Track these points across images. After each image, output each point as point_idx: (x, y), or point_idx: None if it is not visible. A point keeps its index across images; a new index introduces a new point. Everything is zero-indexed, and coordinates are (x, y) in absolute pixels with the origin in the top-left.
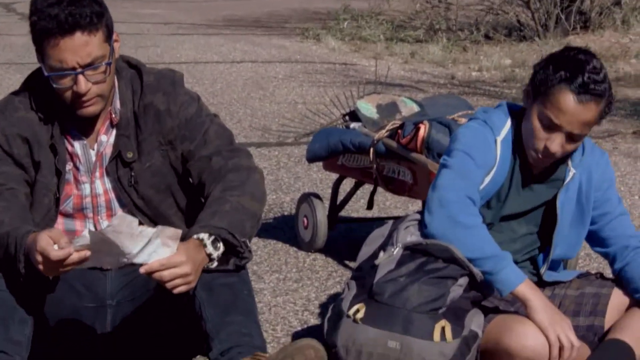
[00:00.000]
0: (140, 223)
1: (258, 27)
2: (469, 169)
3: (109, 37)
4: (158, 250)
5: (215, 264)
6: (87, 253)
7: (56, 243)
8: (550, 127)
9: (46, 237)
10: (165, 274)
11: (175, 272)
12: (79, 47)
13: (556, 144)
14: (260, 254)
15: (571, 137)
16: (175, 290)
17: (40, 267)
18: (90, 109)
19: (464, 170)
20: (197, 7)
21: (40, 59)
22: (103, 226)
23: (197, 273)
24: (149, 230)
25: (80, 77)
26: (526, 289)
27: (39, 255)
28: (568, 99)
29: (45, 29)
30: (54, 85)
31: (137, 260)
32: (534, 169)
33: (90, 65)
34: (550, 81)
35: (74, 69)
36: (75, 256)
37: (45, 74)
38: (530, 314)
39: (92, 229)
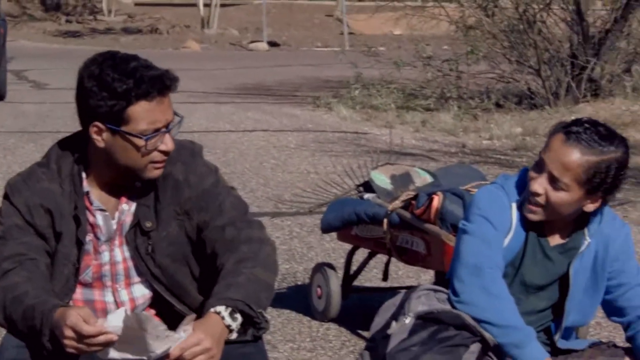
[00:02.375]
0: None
1: (269, 95)
2: (490, 234)
3: None
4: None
5: (235, 335)
6: (114, 337)
7: (86, 321)
8: (539, 166)
9: (76, 314)
10: (187, 355)
11: (196, 350)
12: (168, 106)
13: (538, 183)
14: (274, 323)
15: (552, 180)
16: None
17: (67, 342)
18: (161, 170)
19: (485, 236)
20: (208, 75)
21: (110, 127)
22: (122, 296)
23: (219, 346)
24: (176, 336)
25: (168, 136)
26: None
27: (68, 330)
28: (557, 139)
29: (145, 92)
30: (147, 149)
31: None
32: (549, 237)
33: (169, 124)
34: (555, 130)
35: (159, 129)
36: (103, 337)
37: (144, 137)
38: None
39: (111, 298)
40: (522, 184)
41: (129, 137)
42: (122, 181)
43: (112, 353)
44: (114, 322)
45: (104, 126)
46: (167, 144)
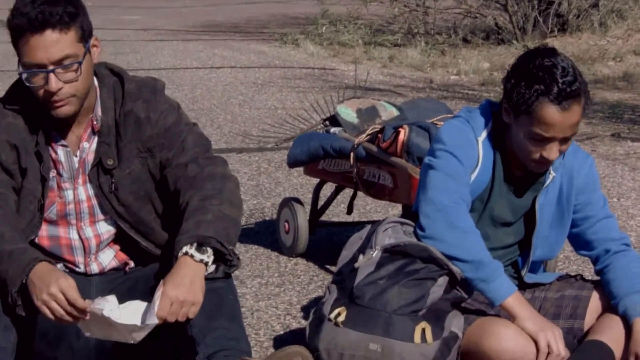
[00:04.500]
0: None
1: (237, 32)
2: (457, 170)
3: (83, 38)
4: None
5: (212, 267)
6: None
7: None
8: (543, 140)
9: (68, 281)
10: (170, 317)
11: (174, 309)
12: (49, 44)
13: (554, 151)
14: (242, 259)
15: (565, 141)
16: (190, 316)
17: (46, 299)
18: (64, 109)
19: (451, 171)
20: (175, 12)
21: (18, 59)
22: (86, 233)
23: (194, 289)
24: (136, 302)
25: (51, 76)
26: (515, 300)
27: (57, 291)
28: (552, 112)
29: (18, 27)
30: (27, 84)
31: (139, 337)
32: (514, 171)
33: (60, 64)
34: (529, 99)
35: (44, 67)
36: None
37: (19, 71)
38: (519, 323)
39: (76, 235)
40: (487, 117)
41: (19, 70)
42: (52, 118)
43: (95, 302)
44: (96, 304)
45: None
46: (49, 84)
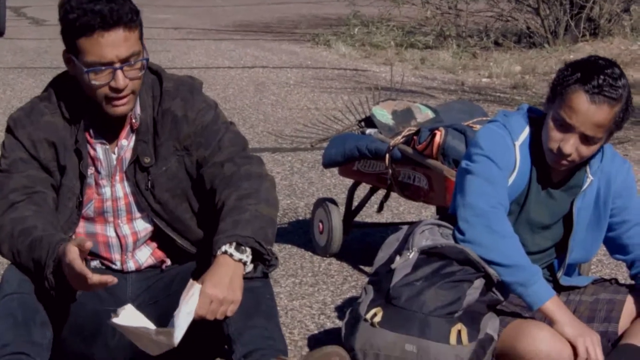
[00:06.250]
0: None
1: (268, 32)
2: (495, 174)
3: (142, 36)
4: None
5: (250, 267)
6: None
7: (81, 249)
8: (564, 127)
9: (72, 249)
10: (209, 316)
11: (214, 308)
12: (119, 42)
13: (570, 144)
14: None
15: (585, 139)
16: (229, 314)
17: (69, 276)
18: (123, 108)
19: (489, 175)
20: (206, 12)
21: (72, 57)
22: (124, 230)
23: (233, 288)
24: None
25: (119, 72)
26: (554, 305)
27: (67, 267)
28: (581, 99)
29: (88, 25)
30: (92, 82)
31: (176, 338)
32: (552, 175)
33: (127, 61)
34: (567, 81)
35: (111, 64)
36: (96, 278)
37: (85, 69)
38: (558, 328)
39: (113, 233)
40: (524, 122)
41: (79, 68)
42: (103, 116)
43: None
44: (123, 320)
45: (70, 55)
46: (117, 81)
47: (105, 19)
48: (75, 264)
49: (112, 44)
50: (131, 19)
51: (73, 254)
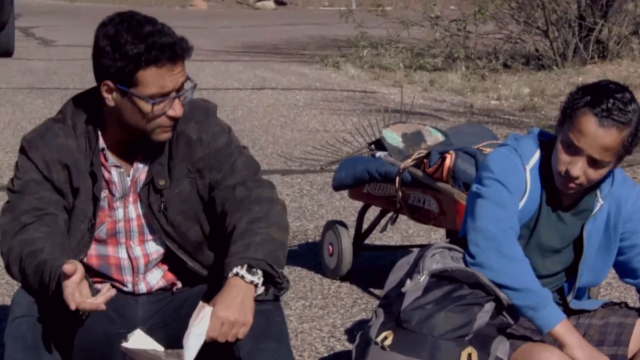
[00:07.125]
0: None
1: (277, 53)
2: (505, 198)
3: None
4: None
5: (261, 289)
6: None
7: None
8: (572, 149)
9: (68, 269)
10: (220, 338)
11: (225, 330)
12: (179, 73)
13: (577, 167)
14: None
15: (594, 163)
16: (240, 337)
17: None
18: (171, 133)
19: (500, 199)
20: (214, 33)
21: (122, 88)
22: (135, 252)
23: (244, 310)
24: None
25: (177, 102)
26: (564, 328)
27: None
28: (589, 122)
29: (156, 59)
30: (153, 113)
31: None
32: (562, 199)
33: (181, 90)
34: (576, 104)
35: (169, 94)
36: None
37: (150, 101)
38: (568, 352)
39: (125, 254)
40: (535, 145)
41: (137, 100)
42: (135, 139)
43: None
44: (132, 344)
45: (114, 85)
46: (175, 109)
47: (175, 53)
48: (66, 290)
49: (175, 75)
50: (189, 51)
51: (69, 288)
